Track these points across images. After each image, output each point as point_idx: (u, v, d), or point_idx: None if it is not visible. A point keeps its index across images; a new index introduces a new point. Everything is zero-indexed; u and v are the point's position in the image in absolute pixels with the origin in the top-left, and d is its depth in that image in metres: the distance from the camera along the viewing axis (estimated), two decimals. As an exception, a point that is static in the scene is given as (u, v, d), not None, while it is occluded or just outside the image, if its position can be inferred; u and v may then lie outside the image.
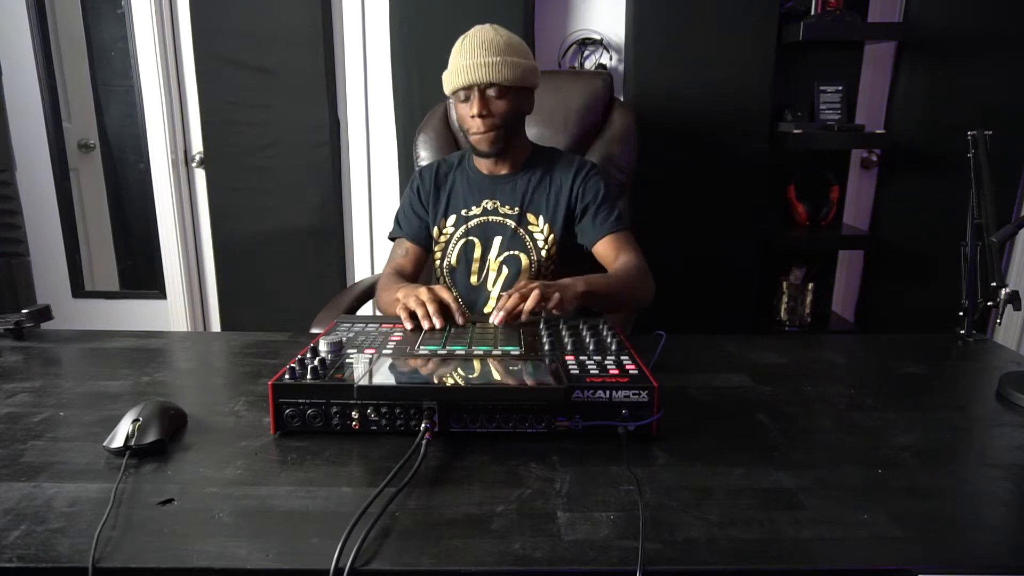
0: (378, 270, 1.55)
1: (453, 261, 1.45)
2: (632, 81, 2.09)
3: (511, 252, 1.43)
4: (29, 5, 2.35)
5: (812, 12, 2.01)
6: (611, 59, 2.16)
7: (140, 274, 2.79)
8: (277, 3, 2.13)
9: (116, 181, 2.75)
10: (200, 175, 2.37)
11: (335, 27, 2.20)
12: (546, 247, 1.42)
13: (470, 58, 1.32)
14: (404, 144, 2.15)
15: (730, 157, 2.12)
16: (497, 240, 1.43)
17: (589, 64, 2.17)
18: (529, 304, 1.07)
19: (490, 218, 1.44)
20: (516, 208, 1.43)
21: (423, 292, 1.11)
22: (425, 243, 1.49)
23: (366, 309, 1.70)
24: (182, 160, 2.36)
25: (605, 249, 1.40)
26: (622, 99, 2.10)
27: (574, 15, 2.16)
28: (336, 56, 2.22)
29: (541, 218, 1.43)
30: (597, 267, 1.41)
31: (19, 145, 2.25)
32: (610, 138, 1.74)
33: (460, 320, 1.09)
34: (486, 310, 1.42)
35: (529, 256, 1.42)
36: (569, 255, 1.44)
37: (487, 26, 1.37)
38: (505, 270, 1.43)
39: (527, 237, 1.42)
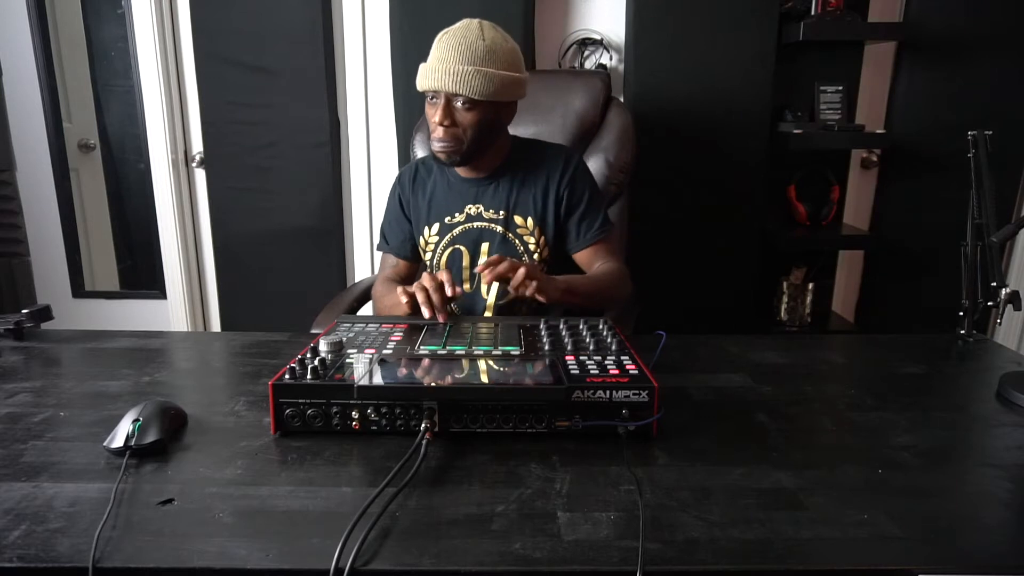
0: (378, 270, 1.53)
1: (442, 270, 1.42)
2: (632, 81, 2.09)
3: None
4: (29, 5, 2.34)
5: (812, 12, 2.01)
6: (611, 59, 2.16)
7: (140, 274, 2.79)
8: (277, 3, 2.13)
9: (116, 181, 2.75)
10: (200, 175, 2.37)
11: (335, 27, 2.20)
12: (538, 250, 1.38)
13: (442, 61, 1.22)
14: (404, 144, 2.15)
15: (730, 157, 2.12)
16: (485, 247, 1.39)
17: (589, 64, 2.16)
18: (516, 280, 1.10)
19: (475, 224, 1.38)
20: (502, 212, 1.37)
21: (424, 278, 1.12)
22: (412, 255, 1.46)
23: (366, 309, 1.70)
24: (182, 160, 2.36)
25: (588, 257, 1.40)
26: (622, 99, 2.10)
27: (574, 15, 2.16)
28: (336, 56, 2.22)
29: (530, 219, 1.37)
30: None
31: (19, 145, 2.25)
32: (608, 138, 1.74)
33: (450, 292, 1.10)
34: (486, 315, 1.39)
35: (521, 261, 1.39)
36: (561, 254, 1.42)
37: (475, 24, 1.26)
38: None
39: (517, 241, 1.38)
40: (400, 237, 1.46)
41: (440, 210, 1.41)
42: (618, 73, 2.17)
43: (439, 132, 1.27)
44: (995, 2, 2.06)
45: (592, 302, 1.29)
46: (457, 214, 1.40)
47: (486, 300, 1.39)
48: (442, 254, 1.41)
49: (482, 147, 1.31)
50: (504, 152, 1.39)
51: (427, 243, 1.43)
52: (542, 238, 1.38)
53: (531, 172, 1.38)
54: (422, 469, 0.75)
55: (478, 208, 1.38)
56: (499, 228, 1.38)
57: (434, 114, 1.26)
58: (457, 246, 1.40)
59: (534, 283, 1.11)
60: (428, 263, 1.44)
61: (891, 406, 0.95)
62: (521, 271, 1.10)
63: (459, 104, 1.25)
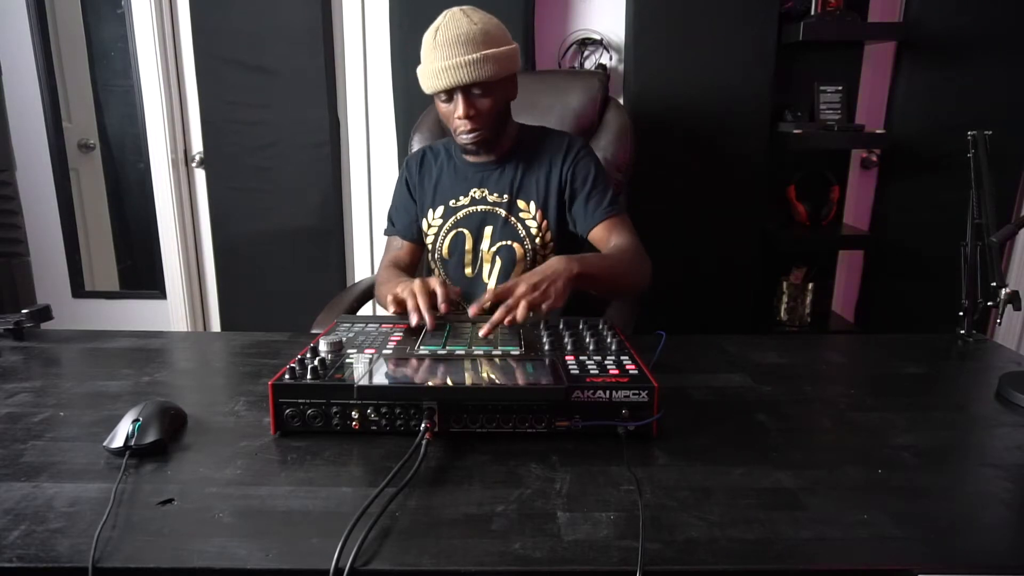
0: (382, 255, 1.54)
1: (445, 253, 1.43)
2: (632, 81, 2.09)
3: (504, 242, 1.39)
4: (29, 5, 2.35)
5: (812, 12, 2.01)
6: (611, 59, 2.16)
7: (140, 274, 2.79)
8: (277, 3, 2.13)
9: (116, 181, 2.75)
10: (200, 175, 2.37)
11: (335, 27, 2.20)
12: (539, 234, 1.38)
13: (448, 58, 1.22)
14: (404, 143, 2.14)
15: (730, 157, 2.12)
16: (488, 230, 1.40)
17: (589, 64, 2.16)
18: (521, 315, 0.99)
19: (479, 207, 1.40)
20: (505, 195, 1.39)
21: (416, 283, 1.09)
22: (418, 238, 1.48)
23: (366, 309, 1.70)
24: (182, 160, 2.36)
25: (600, 236, 1.36)
26: (622, 99, 2.10)
27: (574, 15, 2.16)
28: (336, 56, 2.22)
29: (532, 204, 1.38)
30: (594, 251, 1.38)
31: (19, 145, 2.24)
32: (606, 138, 1.73)
33: (443, 308, 1.07)
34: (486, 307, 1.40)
35: (523, 245, 1.38)
36: (567, 240, 1.41)
37: (458, 13, 1.26)
38: (499, 261, 1.40)
39: (519, 225, 1.38)
40: (407, 219, 1.47)
41: (445, 194, 1.43)
42: (618, 73, 2.17)
43: (465, 124, 1.29)
44: (995, 2, 2.05)
45: (609, 282, 1.21)
46: (462, 197, 1.41)
47: (487, 284, 1.40)
48: (445, 237, 1.42)
49: (501, 125, 1.35)
50: (513, 136, 1.41)
51: (430, 226, 1.44)
52: (544, 222, 1.39)
53: (535, 157, 1.40)
54: (422, 469, 0.75)
55: (483, 192, 1.40)
56: (502, 212, 1.39)
57: (455, 110, 1.27)
58: (460, 229, 1.41)
59: (540, 310, 1.03)
60: (430, 247, 1.45)
61: (891, 406, 0.95)
62: (521, 308, 0.99)
63: (476, 92, 1.27)
